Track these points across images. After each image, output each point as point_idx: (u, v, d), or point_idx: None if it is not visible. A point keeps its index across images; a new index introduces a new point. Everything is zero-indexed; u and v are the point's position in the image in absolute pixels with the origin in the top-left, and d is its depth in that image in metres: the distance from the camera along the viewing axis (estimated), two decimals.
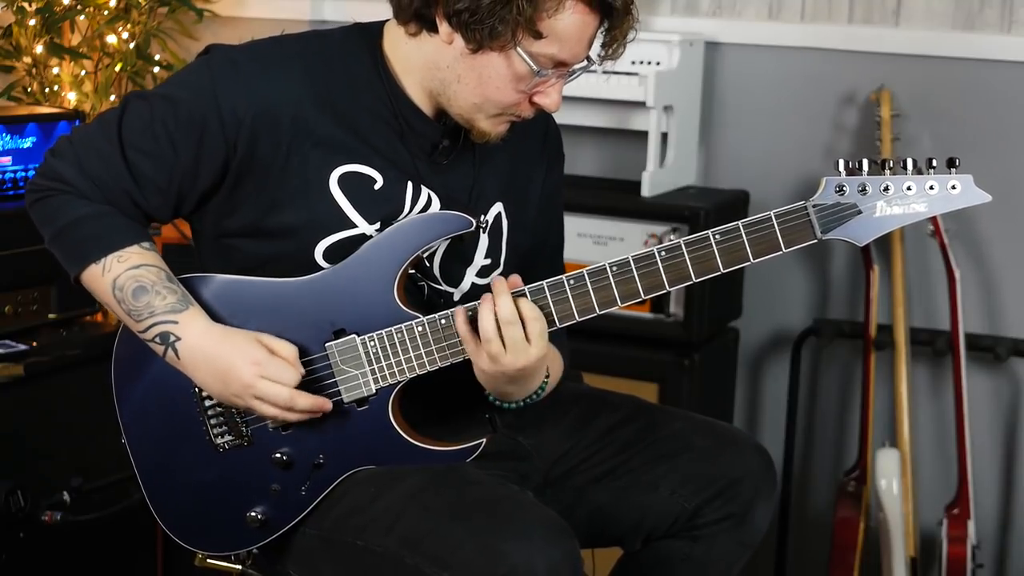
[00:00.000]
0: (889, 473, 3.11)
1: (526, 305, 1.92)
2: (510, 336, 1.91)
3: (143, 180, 1.97)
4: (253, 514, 2.00)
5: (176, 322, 1.95)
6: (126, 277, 1.96)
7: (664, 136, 3.26)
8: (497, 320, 1.91)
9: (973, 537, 3.12)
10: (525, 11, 1.86)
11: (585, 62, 1.97)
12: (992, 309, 3.27)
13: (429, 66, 1.98)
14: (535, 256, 2.16)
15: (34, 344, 2.79)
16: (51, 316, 2.88)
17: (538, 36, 1.89)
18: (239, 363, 1.93)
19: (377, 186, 2.00)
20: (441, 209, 2.03)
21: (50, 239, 2.01)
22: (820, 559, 3.28)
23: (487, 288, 2.05)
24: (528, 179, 2.16)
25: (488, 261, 2.09)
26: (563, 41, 1.90)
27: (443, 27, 1.92)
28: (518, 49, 1.90)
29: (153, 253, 1.99)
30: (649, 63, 3.22)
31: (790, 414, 3.37)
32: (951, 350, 3.16)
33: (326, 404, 1.96)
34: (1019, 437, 3.29)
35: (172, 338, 1.95)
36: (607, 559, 2.22)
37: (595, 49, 1.99)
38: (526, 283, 1.96)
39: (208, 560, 2.11)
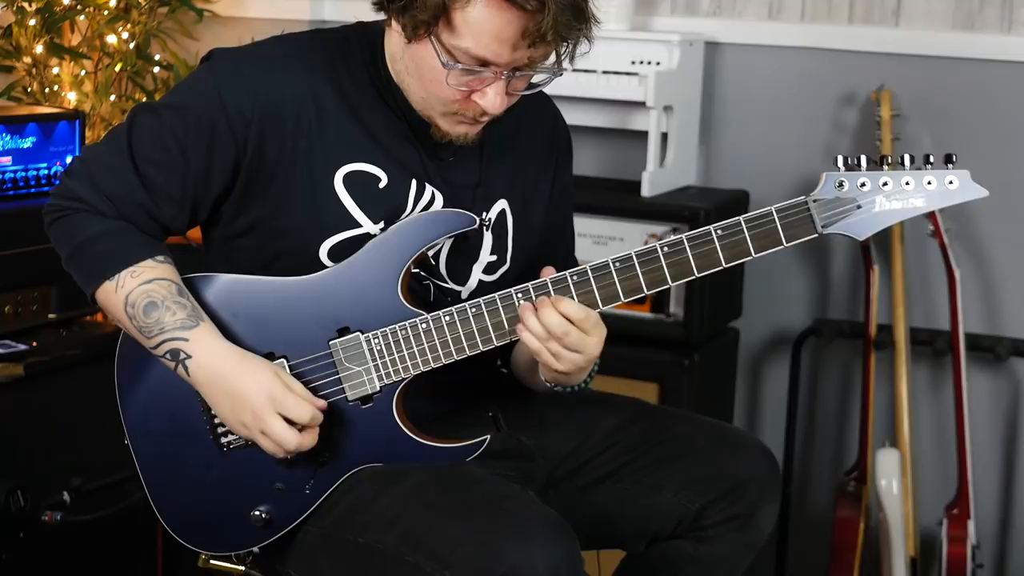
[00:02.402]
0: (889, 473, 3.11)
1: (570, 307, 1.92)
2: (572, 340, 1.92)
3: (157, 192, 1.97)
4: (257, 513, 2.00)
5: (186, 339, 1.95)
6: (138, 293, 1.95)
7: (664, 136, 3.26)
8: (548, 330, 1.92)
9: (973, 537, 3.12)
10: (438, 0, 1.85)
11: (549, 67, 1.94)
12: (992, 309, 3.27)
13: (391, 59, 1.99)
14: (548, 258, 2.15)
15: (34, 344, 2.78)
16: (51, 316, 2.88)
17: (451, 27, 1.87)
18: (254, 393, 1.93)
19: (381, 184, 2.00)
20: (445, 206, 2.03)
21: (66, 259, 2.01)
22: (820, 559, 3.28)
23: (494, 285, 2.06)
24: (536, 177, 2.16)
25: (494, 258, 2.09)
26: (476, 36, 1.86)
27: (392, 16, 1.94)
28: (432, 39, 1.88)
29: (166, 266, 1.99)
30: (649, 63, 3.22)
31: (790, 414, 3.37)
32: (951, 350, 3.16)
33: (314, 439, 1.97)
34: (1019, 437, 3.29)
35: (182, 355, 1.95)
36: (612, 560, 2.21)
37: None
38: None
39: (212, 561, 2.11)
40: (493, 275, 2.09)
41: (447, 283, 2.06)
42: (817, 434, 3.46)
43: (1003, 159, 3.19)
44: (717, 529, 2.06)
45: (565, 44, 1.91)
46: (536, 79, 1.97)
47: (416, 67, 1.94)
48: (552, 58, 1.93)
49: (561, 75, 1.95)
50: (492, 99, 1.92)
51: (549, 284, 1.95)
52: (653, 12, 3.46)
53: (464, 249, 2.06)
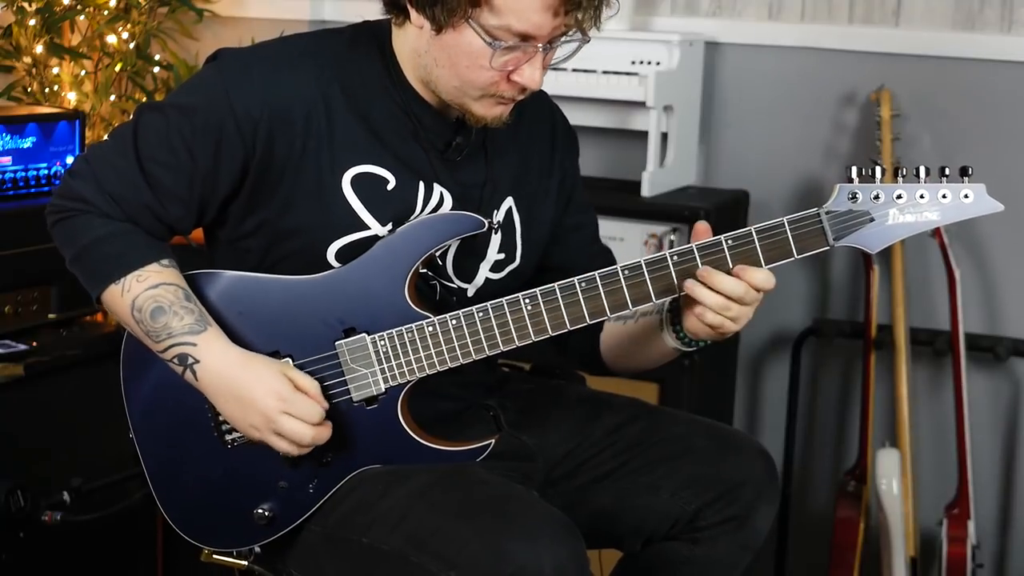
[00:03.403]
0: (889, 473, 3.11)
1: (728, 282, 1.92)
2: (752, 298, 1.93)
3: (163, 192, 1.96)
4: (260, 511, 2.00)
5: (195, 344, 1.94)
6: (144, 297, 1.94)
7: (664, 136, 3.26)
8: (728, 296, 1.91)
9: (973, 537, 3.12)
10: None
11: (574, 36, 1.93)
12: (992, 309, 3.27)
13: (413, 55, 1.98)
14: (582, 242, 2.16)
15: (34, 344, 2.79)
16: (51, 316, 2.88)
17: (491, 7, 1.86)
18: (261, 395, 1.92)
19: (390, 187, 1.99)
20: (454, 206, 2.02)
21: (71, 260, 2.00)
22: (820, 559, 3.29)
23: (501, 283, 2.06)
24: (540, 172, 2.15)
25: (502, 256, 2.09)
26: (518, 11, 1.86)
27: (412, 12, 1.93)
28: (471, 23, 1.88)
29: (171, 270, 1.98)
30: (649, 63, 3.22)
31: (790, 414, 3.37)
32: (951, 350, 3.16)
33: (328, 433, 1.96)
34: (1019, 437, 3.29)
35: (191, 360, 1.94)
36: (614, 560, 2.21)
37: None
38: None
39: (215, 556, 2.10)
40: (500, 273, 2.09)
41: (454, 282, 2.06)
42: (817, 434, 3.46)
43: (1003, 159, 3.19)
44: (712, 531, 2.06)
45: (594, 9, 1.90)
46: (566, 49, 1.96)
47: (448, 56, 1.92)
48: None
49: (589, 41, 1.94)
50: (532, 75, 1.92)
51: (557, 289, 1.93)
52: (653, 12, 3.46)
53: (472, 248, 2.05)
